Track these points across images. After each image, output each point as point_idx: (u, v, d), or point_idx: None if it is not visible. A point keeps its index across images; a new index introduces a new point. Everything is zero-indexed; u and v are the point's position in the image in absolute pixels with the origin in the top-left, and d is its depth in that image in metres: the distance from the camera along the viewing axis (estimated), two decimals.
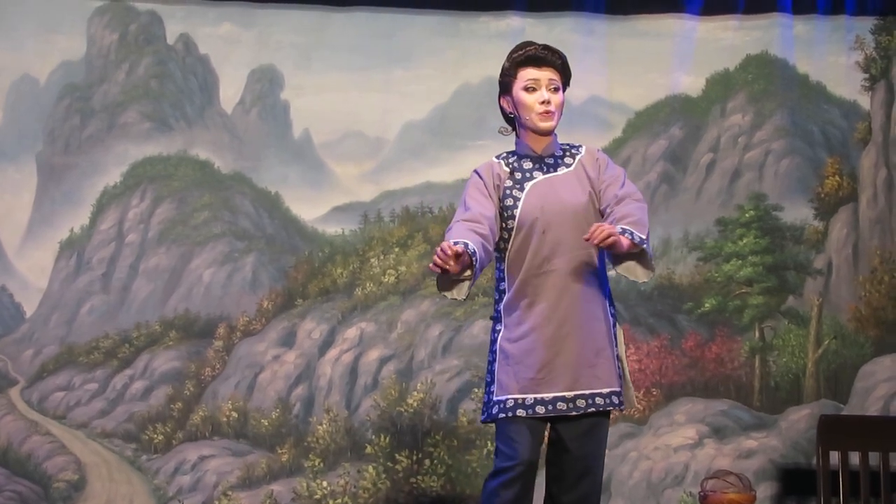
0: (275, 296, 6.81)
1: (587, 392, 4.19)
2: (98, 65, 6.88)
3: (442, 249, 3.87)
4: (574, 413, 4.16)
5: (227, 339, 6.76)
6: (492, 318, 4.33)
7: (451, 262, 3.87)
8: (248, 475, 6.59)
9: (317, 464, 6.60)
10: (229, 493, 6.54)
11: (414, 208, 6.90)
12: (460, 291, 4.11)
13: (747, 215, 6.93)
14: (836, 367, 6.85)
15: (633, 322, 6.83)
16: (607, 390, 4.23)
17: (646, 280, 4.24)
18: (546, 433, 4.25)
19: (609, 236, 3.93)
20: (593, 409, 4.19)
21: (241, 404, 6.69)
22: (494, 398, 4.20)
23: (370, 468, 6.60)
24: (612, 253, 4.11)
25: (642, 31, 7.02)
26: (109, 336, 6.71)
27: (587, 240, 3.94)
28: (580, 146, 4.38)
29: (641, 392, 6.77)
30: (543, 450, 4.27)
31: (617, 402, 4.25)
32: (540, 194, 4.23)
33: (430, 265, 3.92)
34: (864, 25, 7.07)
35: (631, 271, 4.19)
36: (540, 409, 4.14)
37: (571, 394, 4.16)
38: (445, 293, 4.12)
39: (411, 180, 6.90)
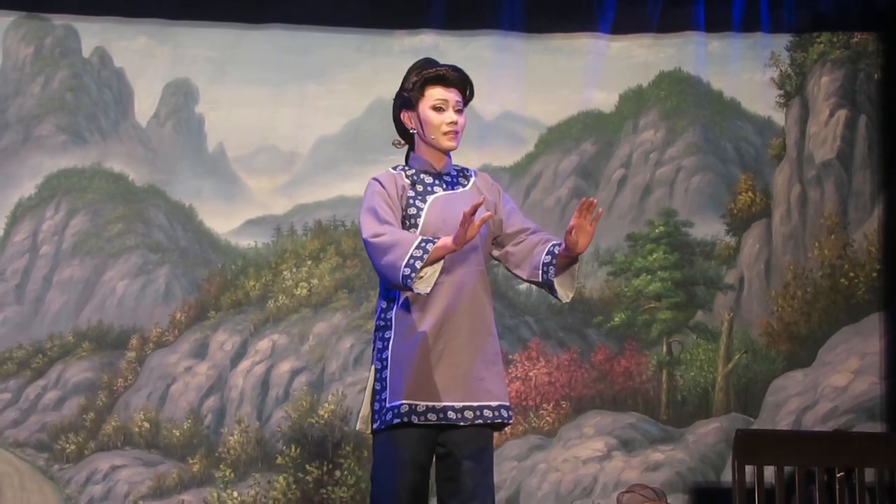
0: (187, 308, 6.87)
1: (475, 404, 4.19)
2: (13, 77, 6.92)
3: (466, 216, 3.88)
4: (462, 424, 4.18)
5: (139, 350, 6.82)
6: (377, 326, 4.34)
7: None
8: (160, 485, 6.66)
9: (228, 474, 6.67)
10: (140, 502, 6.60)
11: (326, 222, 6.96)
12: (428, 285, 4.11)
13: (657, 231, 6.98)
14: (746, 382, 6.90)
15: (543, 335, 6.90)
16: (496, 403, 4.24)
17: (567, 301, 4.27)
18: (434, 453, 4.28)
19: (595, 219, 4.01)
20: (480, 422, 4.21)
21: (153, 415, 6.75)
22: (388, 404, 4.19)
23: (281, 479, 6.67)
24: (556, 264, 4.13)
25: (556, 48, 7.06)
26: (23, 346, 6.76)
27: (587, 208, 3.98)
28: (470, 169, 4.42)
29: (551, 405, 6.84)
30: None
31: (506, 415, 4.27)
32: (442, 207, 4.25)
33: (461, 237, 3.89)
34: (780, 42, 7.10)
35: (567, 284, 4.22)
36: (431, 417, 4.13)
37: (460, 404, 4.15)
38: (420, 288, 4.09)
39: (324, 194, 6.95)
